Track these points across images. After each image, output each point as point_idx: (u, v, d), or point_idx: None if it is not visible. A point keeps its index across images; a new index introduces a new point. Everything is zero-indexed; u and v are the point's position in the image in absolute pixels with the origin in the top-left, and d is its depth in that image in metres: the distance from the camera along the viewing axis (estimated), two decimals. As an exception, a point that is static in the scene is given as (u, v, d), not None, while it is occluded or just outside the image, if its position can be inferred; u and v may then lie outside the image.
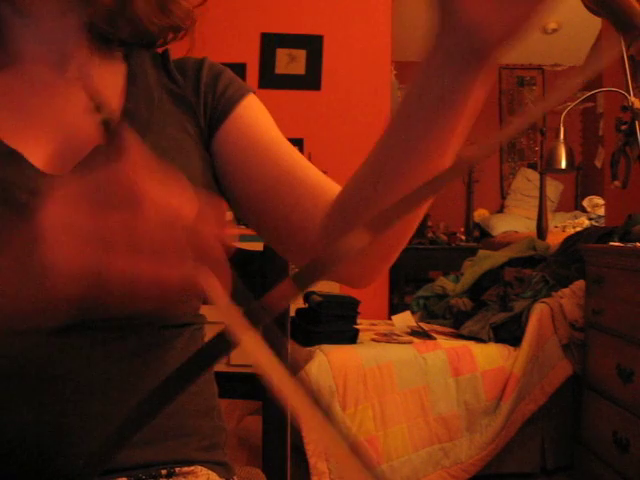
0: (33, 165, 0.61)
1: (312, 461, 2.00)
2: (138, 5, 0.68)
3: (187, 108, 0.71)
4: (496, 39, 0.46)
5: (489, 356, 2.31)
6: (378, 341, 2.33)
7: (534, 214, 3.85)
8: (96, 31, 0.70)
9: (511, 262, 2.87)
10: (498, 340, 2.39)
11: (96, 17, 0.68)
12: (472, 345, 2.34)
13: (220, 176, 0.71)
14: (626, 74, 2.19)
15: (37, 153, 0.62)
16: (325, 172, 0.71)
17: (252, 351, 0.32)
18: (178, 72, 0.73)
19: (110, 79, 0.70)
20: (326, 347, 2.18)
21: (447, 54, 0.48)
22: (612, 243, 2.26)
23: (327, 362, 2.10)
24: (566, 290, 2.44)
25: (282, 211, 0.68)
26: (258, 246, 0.89)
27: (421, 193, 0.34)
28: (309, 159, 0.71)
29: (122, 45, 0.71)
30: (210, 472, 0.66)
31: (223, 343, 0.34)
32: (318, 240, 0.65)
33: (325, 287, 2.41)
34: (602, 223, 4.09)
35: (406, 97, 0.52)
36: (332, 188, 0.67)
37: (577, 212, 5.27)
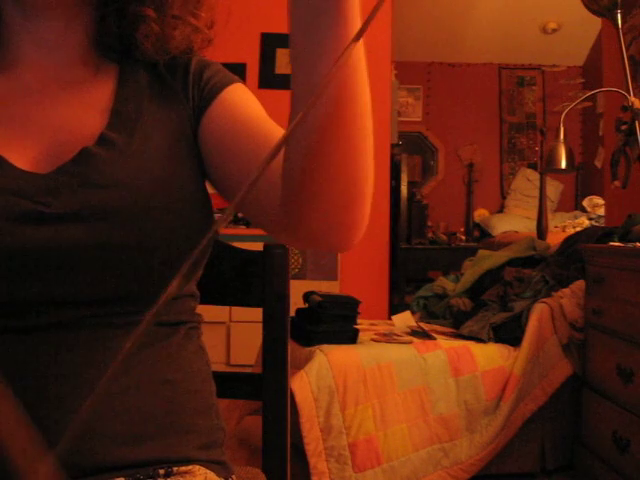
0: (14, 165, 0.61)
1: (312, 461, 2.00)
2: (175, 36, 0.70)
3: (176, 104, 0.70)
4: None
5: (489, 356, 2.30)
6: (378, 341, 2.33)
7: (534, 214, 3.85)
8: (100, 42, 0.70)
9: (511, 262, 2.86)
10: (498, 340, 2.39)
11: (108, 33, 0.69)
12: (472, 345, 2.34)
13: (208, 162, 0.69)
14: (626, 74, 2.19)
15: (22, 156, 0.62)
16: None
17: None
18: (169, 72, 0.73)
19: (101, 80, 0.70)
20: (326, 347, 2.18)
21: None
22: (612, 243, 2.25)
23: (327, 362, 2.10)
24: (566, 290, 2.44)
25: (263, 183, 0.63)
26: (258, 246, 0.89)
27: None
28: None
29: (126, 58, 0.72)
30: (208, 471, 0.66)
31: None
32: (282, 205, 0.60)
33: (325, 287, 2.41)
34: (602, 223, 4.08)
35: (290, 20, 0.49)
36: None
37: (577, 212, 5.27)
